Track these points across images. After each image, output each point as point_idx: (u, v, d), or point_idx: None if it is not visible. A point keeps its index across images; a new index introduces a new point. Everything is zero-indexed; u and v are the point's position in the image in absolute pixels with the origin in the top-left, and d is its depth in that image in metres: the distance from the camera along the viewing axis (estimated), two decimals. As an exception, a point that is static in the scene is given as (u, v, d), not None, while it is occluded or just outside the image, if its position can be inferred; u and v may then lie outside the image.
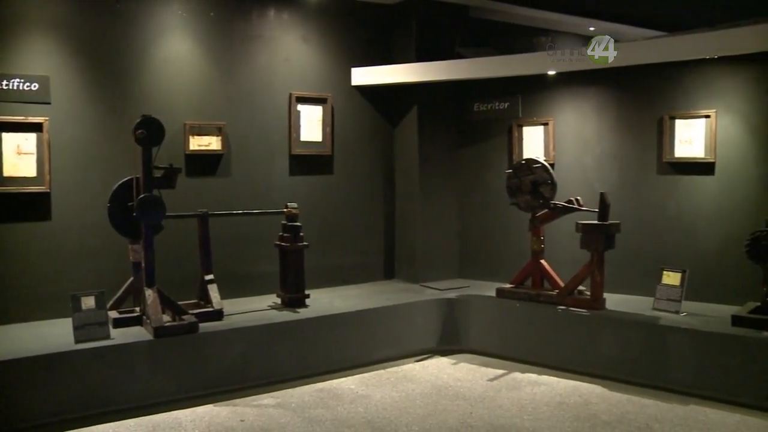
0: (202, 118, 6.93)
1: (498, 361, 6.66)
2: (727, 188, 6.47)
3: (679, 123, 6.68)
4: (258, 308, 6.62)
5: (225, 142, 7.01)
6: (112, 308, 5.98)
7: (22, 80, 6.05)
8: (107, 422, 5.17)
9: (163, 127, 5.75)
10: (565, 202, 6.52)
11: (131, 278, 6.13)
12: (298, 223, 6.68)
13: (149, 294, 5.69)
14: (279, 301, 6.82)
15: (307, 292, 6.76)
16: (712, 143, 6.49)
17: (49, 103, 6.19)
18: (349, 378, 6.23)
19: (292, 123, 7.43)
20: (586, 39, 9.12)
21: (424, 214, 7.96)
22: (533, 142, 7.56)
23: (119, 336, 5.55)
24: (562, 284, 6.59)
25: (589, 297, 6.41)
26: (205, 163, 6.98)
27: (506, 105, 7.76)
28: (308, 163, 7.59)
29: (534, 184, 6.63)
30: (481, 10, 8.23)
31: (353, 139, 7.93)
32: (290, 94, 7.42)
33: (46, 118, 6.14)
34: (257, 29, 7.28)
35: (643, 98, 6.95)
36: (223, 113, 7.05)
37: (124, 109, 6.50)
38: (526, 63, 7.13)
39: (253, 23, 7.26)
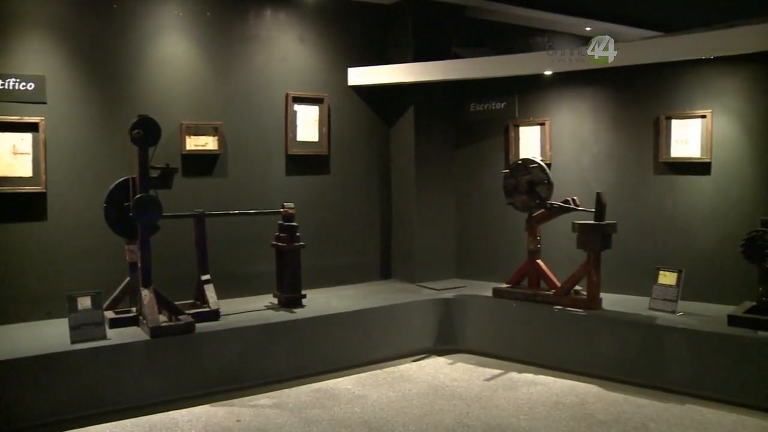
0: (199, 118, 6.92)
1: (495, 361, 6.66)
2: (723, 188, 6.48)
3: (675, 123, 6.69)
4: (254, 308, 6.62)
5: (222, 142, 7.01)
6: (108, 308, 5.98)
7: (18, 80, 6.04)
8: (104, 423, 5.16)
9: (159, 127, 5.75)
10: (562, 202, 6.53)
11: (128, 278, 6.12)
12: (294, 223, 6.68)
13: (146, 294, 5.68)
14: (275, 301, 6.82)
15: (303, 292, 6.76)
16: (708, 143, 6.50)
17: (45, 103, 6.18)
18: (346, 378, 6.23)
19: (289, 123, 7.43)
20: (582, 39, 9.19)
21: (420, 214, 7.96)
22: (530, 142, 7.57)
23: (116, 336, 5.55)
24: (558, 284, 6.59)
25: (585, 297, 6.42)
26: (202, 163, 6.98)
27: (503, 105, 7.77)
28: (305, 163, 7.59)
29: (530, 184, 6.63)
30: (477, 10, 8.24)
31: (350, 139, 7.93)
32: (287, 94, 7.42)
33: (42, 118, 6.13)
34: (254, 29, 7.28)
35: (640, 98, 6.96)
36: (219, 113, 7.05)
37: (121, 109, 6.49)
38: (523, 63, 7.15)
39: (250, 23, 7.26)
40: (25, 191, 6.10)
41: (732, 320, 5.67)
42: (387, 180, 8.24)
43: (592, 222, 6.25)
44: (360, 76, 7.84)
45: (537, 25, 9.11)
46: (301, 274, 6.73)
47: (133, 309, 6.06)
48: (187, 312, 5.91)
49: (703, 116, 6.52)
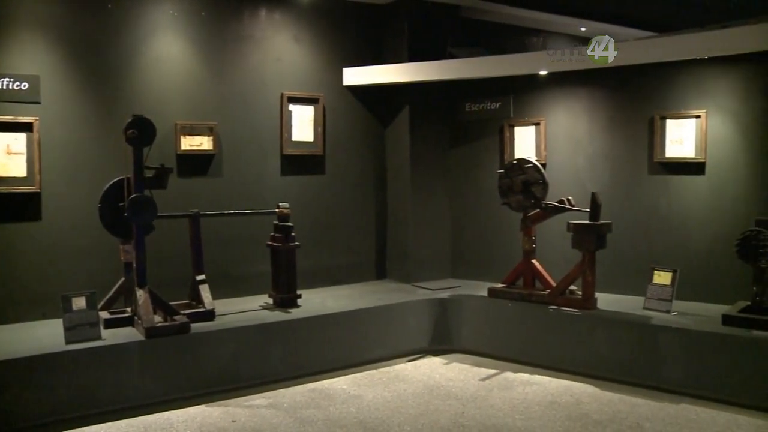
0: (194, 118, 6.91)
1: (490, 361, 6.67)
2: (718, 188, 6.50)
3: (669, 123, 6.71)
4: (250, 308, 6.61)
5: (216, 142, 7.00)
6: (103, 309, 5.97)
7: (12, 80, 6.02)
8: (98, 423, 5.15)
9: (154, 127, 5.73)
10: (557, 202, 6.54)
11: (122, 278, 6.12)
12: (289, 223, 6.67)
13: (140, 294, 5.67)
14: (271, 301, 6.81)
15: (298, 292, 6.75)
16: (702, 143, 6.51)
17: (39, 103, 6.16)
18: (341, 378, 6.23)
19: (284, 123, 7.42)
20: (577, 39, 9.20)
21: (415, 214, 7.97)
22: (525, 142, 7.58)
23: (110, 337, 5.54)
24: (553, 284, 6.60)
25: (580, 297, 6.43)
26: (197, 163, 6.97)
27: (498, 105, 7.78)
28: (300, 163, 7.59)
29: (525, 184, 6.64)
30: (472, 10, 8.25)
31: (345, 139, 7.93)
32: (282, 94, 7.41)
33: (36, 118, 6.12)
34: (249, 29, 7.27)
35: (634, 98, 6.98)
36: (214, 113, 7.03)
37: (115, 109, 6.47)
38: (518, 63, 7.16)
39: (245, 23, 7.25)
40: (19, 191, 6.08)
41: (726, 320, 5.68)
42: (382, 180, 8.24)
43: (587, 222, 6.26)
44: (355, 76, 7.84)
45: (532, 25, 9.12)
46: (296, 274, 6.73)
47: (128, 309, 6.05)
48: (182, 312, 5.90)
49: (698, 116, 6.53)
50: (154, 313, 5.71)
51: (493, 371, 6.39)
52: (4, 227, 6.09)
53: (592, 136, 7.23)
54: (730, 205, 6.43)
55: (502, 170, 6.89)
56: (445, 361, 6.76)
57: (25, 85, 6.08)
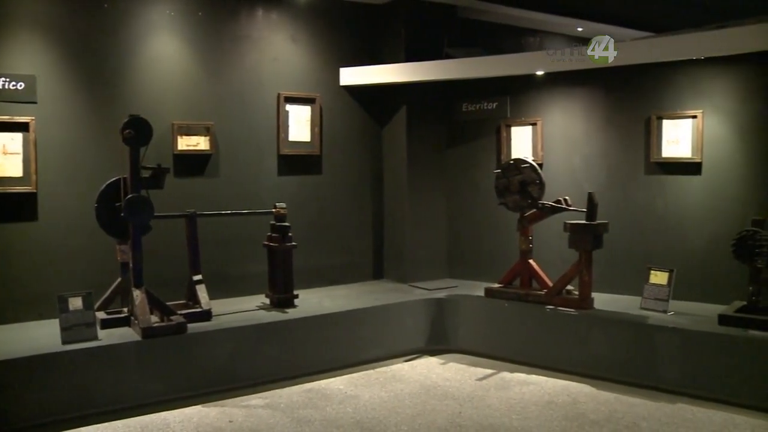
0: (191, 118, 6.90)
1: (487, 361, 6.67)
2: (714, 188, 6.51)
3: (666, 123, 6.72)
4: (246, 308, 6.61)
5: (213, 142, 6.99)
6: (99, 309, 5.96)
7: (8, 79, 6.01)
8: (95, 424, 5.14)
9: (150, 126, 5.73)
10: (554, 202, 6.54)
11: (119, 279, 6.10)
12: (286, 223, 6.67)
13: (137, 294, 5.67)
14: (268, 301, 6.80)
15: (295, 292, 6.75)
16: (699, 143, 6.52)
17: (35, 103, 6.15)
18: (338, 378, 6.23)
19: (281, 123, 7.42)
20: (574, 39, 9.21)
21: (412, 214, 7.97)
22: (521, 142, 7.58)
23: (107, 337, 5.53)
24: (550, 284, 6.61)
25: (577, 296, 6.43)
26: (194, 163, 6.96)
27: (494, 105, 7.78)
28: (297, 163, 7.58)
29: (522, 184, 6.64)
30: (469, 11, 8.25)
31: (342, 139, 7.92)
32: (279, 94, 7.41)
33: (33, 118, 6.10)
34: (246, 29, 7.26)
35: (631, 98, 6.98)
36: (211, 113, 7.03)
37: (112, 109, 6.46)
38: (515, 63, 7.16)
39: (242, 23, 7.24)
40: (15, 191, 6.06)
41: (723, 319, 5.69)
42: (379, 180, 8.24)
43: (583, 222, 6.27)
44: (352, 76, 7.84)
45: (529, 25, 9.13)
46: (293, 274, 6.72)
47: (125, 309, 6.04)
48: (178, 312, 5.89)
49: (694, 116, 6.54)
50: (151, 313, 5.71)
51: (490, 371, 6.39)
52: (0, 228, 6.07)
53: (589, 136, 7.24)
54: (726, 205, 6.44)
55: (499, 170, 6.90)
56: (442, 361, 6.76)
57: (21, 85, 6.07)
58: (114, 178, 5.96)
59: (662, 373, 5.79)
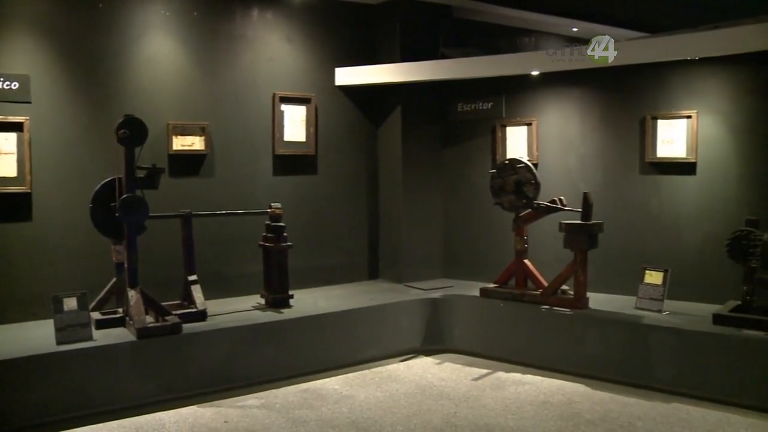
0: (186, 118, 6.89)
1: (482, 361, 6.68)
2: (709, 188, 6.53)
3: (661, 123, 6.73)
4: (242, 309, 6.60)
5: (208, 142, 6.98)
6: (94, 309, 5.95)
7: (2, 79, 5.98)
8: (90, 424, 5.13)
9: (146, 126, 5.72)
10: (549, 202, 6.55)
11: (114, 279, 6.10)
12: (281, 224, 6.66)
13: (132, 295, 5.66)
14: (263, 301, 6.80)
15: (291, 292, 6.74)
16: (693, 143, 6.54)
17: (29, 103, 6.13)
18: (334, 378, 6.23)
19: (276, 123, 7.41)
20: (569, 39, 9.22)
21: (407, 214, 7.97)
22: (517, 142, 7.59)
23: (102, 337, 5.52)
24: (545, 284, 6.61)
25: (572, 296, 6.44)
26: (189, 163, 6.95)
27: (490, 105, 7.78)
28: (292, 163, 7.58)
29: (517, 184, 6.65)
30: (465, 11, 8.26)
31: (337, 139, 7.92)
32: (274, 94, 7.40)
33: (27, 118, 6.08)
34: (241, 29, 7.26)
35: (626, 99, 7.00)
36: (206, 113, 7.02)
37: (107, 109, 6.44)
38: (510, 63, 7.17)
39: (237, 23, 7.23)
40: (9, 191, 6.04)
41: (717, 319, 5.71)
42: (374, 180, 8.24)
43: (578, 222, 6.28)
44: (347, 76, 7.84)
45: (524, 25, 9.14)
46: (288, 274, 6.71)
47: (120, 310, 6.03)
48: (174, 313, 5.88)
49: (689, 116, 6.56)
50: (146, 313, 5.70)
51: (485, 371, 6.40)
52: (-6, 228, 6.07)
53: (584, 136, 7.25)
54: (720, 205, 6.46)
55: (494, 170, 6.90)
56: (438, 361, 6.76)
57: (15, 85, 6.04)
58: (109, 178, 5.95)
59: (657, 373, 5.80)
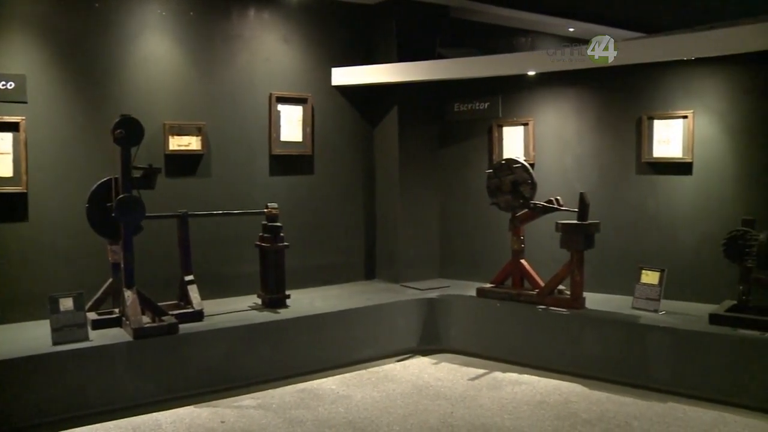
0: (182, 118, 6.89)
1: (479, 361, 6.68)
2: (705, 188, 6.54)
3: (657, 123, 6.74)
4: (238, 309, 6.60)
5: (205, 142, 6.97)
6: (90, 310, 5.93)
7: (-2, 79, 5.99)
8: (87, 425, 5.12)
9: (142, 126, 5.72)
10: (545, 202, 6.56)
11: (110, 279, 6.08)
12: (278, 224, 6.66)
13: (128, 295, 5.65)
14: (260, 301, 6.79)
15: (287, 292, 6.74)
16: (689, 143, 6.55)
17: (25, 102, 6.12)
18: (330, 378, 6.22)
19: (273, 123, 7.41)
20: (565, 40, 9.22)
21: (404, 215, 7.97)
22: (513, 142, 7.60)
23: (98, 338, 5.51)
24: (542, 284, 6.62)
25: (569, 296, 6.45)
26: (185, 163, 6.94)
27: (486, 105, 7.79)
28: (288, 163, 7.57)
29: (514, 184, 6.66)
30: (461, 11, 8.26)
31: (334, 140, 7.92)
32: (270, 94, 7.40)
33: (23, 118, 6.07)
34: (237, 29, 7.25)
35: (622, 99, 7.01)
36: (203, 113, 7.01)
37: (103, 109, 6.44)
38: (507, 63, 7.18)
39: (234, 23, 7.23)
40: (5, 192, 6.03)
41: (713, 319, 5.72)
42: (371, 180, 8.24)
43: (575, 222, 6.28)
44: (344, 76, 7.84)
45: (520, 25, 9.14)
46: (285, 274, 6.71)
47: (116, 310, 6.02)
48: (170, 313, 5.88)
49: (685, 116, 6.57)
50: (142, 313, 5.69)
51: (481, 371, 6.40)
52: (-10, 228, 6.06)
53: (581, 136, 7.26)
54: (716, 204, 6.47)
55: (491, 170, 6.90)
56: (434, 361, 6.76)
57: (11, 85, 6.04)
58: (105, 178, 5.94)
59: (653, 372, 5.81)
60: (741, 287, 5.81)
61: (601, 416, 5.27)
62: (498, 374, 6.32)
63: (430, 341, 7.03)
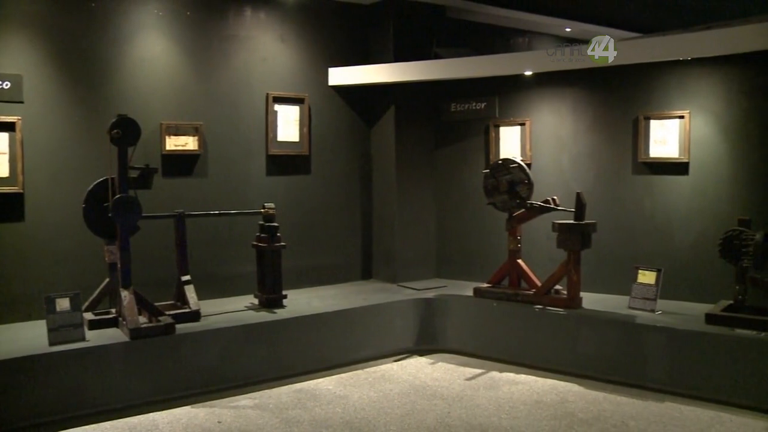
0: (179, 118, 6.88)
1: (476, 361, 6.68)
2: (701, 188, 6.55)
3: (653, 123, 6.75)
4: (235, 309, 6.59)
5: (202, 142, 6.97)
6: (87, 310, 5.93)
7: (-5, 79, 5.98)
8: (83, 425, 5.11)
9: (138, 126, 5.71)
10: (542, 202, 6.56)
11: (107, 279, 6.08)
12: (275, 224, 6.65)
13: (125, 295, 5.64)
14: (256, 301, 6.79)
15: (284, 292, 6.73)
16: (686, 143, 6.56)
17: (22, 102, 6.11)
18: (327, 378, 6.22)
19: (269, 123, 7.40)
20: (562, 40, 9.24)
21: (401, 214, 7.97)
22: (510, 142, 7.60)
23: (95, 338, 5.50)
24: (539, 284, 6.62)
25: (565, 296, 6.46)
26: (182, 163, 6.94)
27: (483, 105, 7.79)
28: (285, 163, 7.57)
29: (511, 183, 6.66)
30: (458, 11, 8.27)
31: (330, 139, 7.92)
32: (267, 94, 7.39)
33: (19, 118, 6.06)
34: (234, 29, 7.25)
35: (619, 99, 7.02)
36: (199, 113, 7.00)
37: (100, 109, 6.43)
38: (503, 63, 7.19)
39: (230, 23, 7.22)
40: (1, 192, 6.02)
41: (710, 318, 5.73)
42: (368, 180, 8.24)
43: (572, 222, 6.29)
44: (341, 76, 7.84)
45: (517, 25, 9.16)
46: (281, 274, 6.71)
47: (113, 310, 6.01)
48: (167, 313, 5.87)
49: (681, 117, 6.58)
50: (139, 314, 5.68)
51: (478, 371, 6.40)
52: (-14, 228, 6.05)
53: (577, 137, 7.27)
54: (713, 204, 6.48)
55: (488, 170, 6.91)
56: (431, 360, 6.77)
57: (7, 84, 6.02)
58: (102, 179, 5.93)
59: (650, 372, 5.82)
60: (737, 287, 5.82)
61: (598, 416, 5.28)
62: (495, 374, 6.32)
63: (427, 341, 7.03)
